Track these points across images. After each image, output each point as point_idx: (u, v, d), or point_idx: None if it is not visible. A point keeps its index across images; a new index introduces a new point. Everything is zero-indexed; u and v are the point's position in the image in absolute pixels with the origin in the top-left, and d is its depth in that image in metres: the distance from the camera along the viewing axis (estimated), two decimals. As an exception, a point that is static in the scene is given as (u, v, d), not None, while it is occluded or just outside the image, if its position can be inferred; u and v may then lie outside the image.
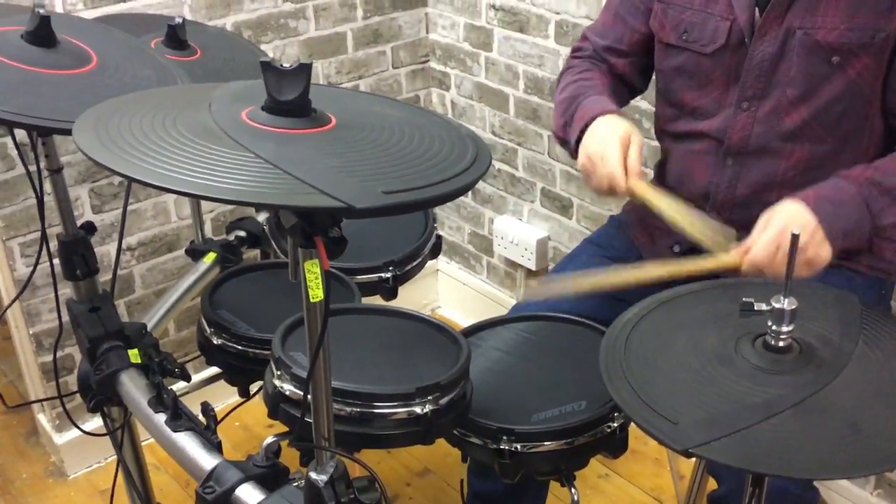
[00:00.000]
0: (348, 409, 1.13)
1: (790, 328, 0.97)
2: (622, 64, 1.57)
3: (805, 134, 1.37)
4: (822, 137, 1.37)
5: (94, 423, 1.81)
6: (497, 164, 2.39)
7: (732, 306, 1.02)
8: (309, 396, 0.97)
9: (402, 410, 1.14)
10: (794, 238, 0.96)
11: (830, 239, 1.25)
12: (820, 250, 1.24)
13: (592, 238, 1.66)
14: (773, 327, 0.97)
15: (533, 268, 2.36)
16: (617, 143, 1.36)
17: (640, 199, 1.37)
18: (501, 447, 1.23)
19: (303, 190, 0.75)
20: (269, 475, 1.09)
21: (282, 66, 0.84)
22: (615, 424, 1.27)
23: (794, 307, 0.96)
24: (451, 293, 2.70)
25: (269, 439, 1.13)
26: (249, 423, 2.29)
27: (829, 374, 0.95)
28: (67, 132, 1.04)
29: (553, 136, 1.58)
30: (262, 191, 0.75)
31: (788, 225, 1.24)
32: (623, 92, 1.61)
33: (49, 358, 2.03)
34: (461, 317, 2.64)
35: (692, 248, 1.53)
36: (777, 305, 0.96)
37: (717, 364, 0.98)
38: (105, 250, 2.02)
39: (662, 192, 1.37)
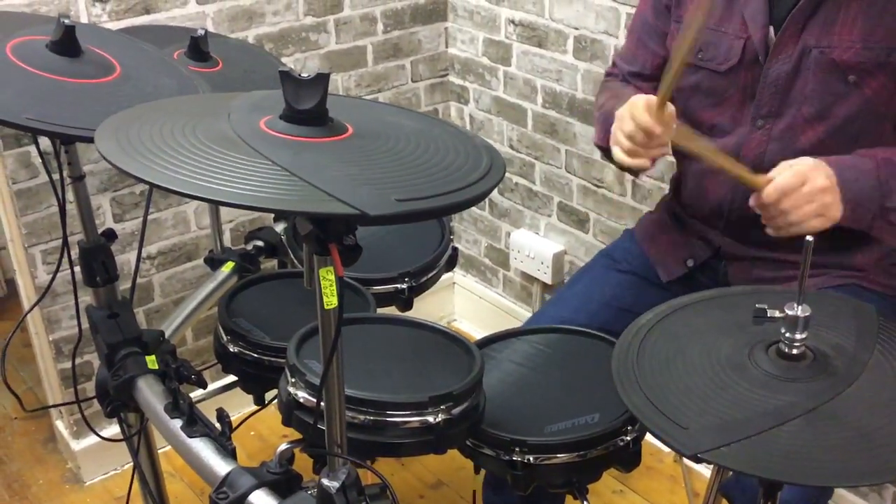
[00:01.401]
0: (361, 417, 1.13)
1: (803, 336, 0.97)
2: (646, 88, 1.57)
3: (820, 152, 1.37)
4: (837, 155, 1.37)
5: (111, 430, 1.83)
6: (514, 179, 2.40)
7: (746, 315, 1.02)
8: (322, 403, 0.98)
9: (414, 419, 1.14)
10: (808, 245, 0.96)
11: (843, 201, 1.28)
12: (832, 207, 1.27)
13: (607, 251, 1.66)
14: (787, 335, 0.97)
15: (549, 282, 2.36)
16: (641, 99, 1.34)
17: (676, 142, 1.36)
18: (514, 459, 1.23)
19: (318, 197, 0.76)
20: (283, 482, 1.10)
21: (300, 75, 0.86)
22: (628, 438, 1.26)
23: (807, 314, 0.96)
24: (467, 306, 2.71)
25: (283, 446, 1.13)
26: (265, 432, 2.30)
27: (843, 382, 0.95)
28: (90, 140, 1.06)
29: (597, 148, 1.60)
30: (278, 197, 0.76)
31: (813, 170, 1.27)
32: None
33: (68, 365, 2.05)
34: (477, 330, 2.64)
35: (705, 263, 1.54)
36: (790, 313, 0.96)
37: (729, 371, 0.98)
38: (125, 259, 2.04)
39: (695, 136, 1.36)
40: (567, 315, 1.53)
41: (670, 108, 1.33)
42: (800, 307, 0.97)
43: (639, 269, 1.59)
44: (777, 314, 0.98)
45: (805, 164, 1.29)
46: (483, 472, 1.36)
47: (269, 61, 1.73)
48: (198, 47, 1.55)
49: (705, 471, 2.13)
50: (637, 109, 1.33)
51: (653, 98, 1.32)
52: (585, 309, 1.54)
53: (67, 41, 1.23)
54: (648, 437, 1.32)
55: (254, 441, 2.27)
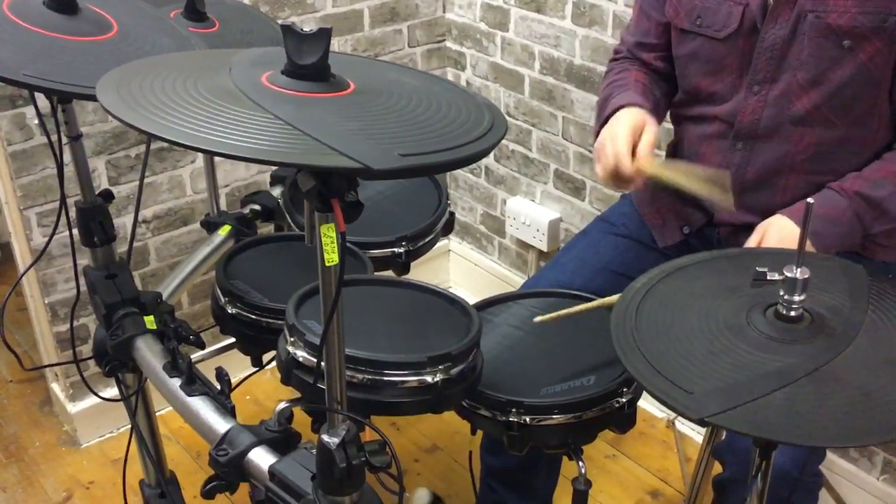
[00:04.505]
0: (360, 376, 1.14)
1: (802, 297, 0.97)
2: (653, 57, 1.58)
3: (815, 118, 1.38)
4: (832, 122, 1.37)
5: (107, 394, 1.83)
6: (511, 145, 2.40)
7: (740, 277, 1.02)
8: (322, 362, 0.98)
9: (412, 379, 1.15)
10: (809, 206, 0.96)
11: (816, 247, 1.32)
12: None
13: (604, 215, 1.67)
14: (786, 297, 0.98)
15: (545, 249, 2.37)
16: (628, 127, 1.38)
17: (647, 176, 1.39)
18: (510, 419, 1.24)
19: (321, 150, 0.76)
20: (282, 439, 1.11)
21: (302, 30, 0.85)
22: (623, 400, 1.27)
23: (806, 276, 0.96)
24: (462, 273, 2.72)
25: (282, 404, 1.14)
26: (260, 396, 2.31)
27: (841, 342, 0.95)
28: (88, 97, 1.05)
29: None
30: (282, 150, 0.76)
31: (782, 243, 1.31)
32: (665, 87, 1.60)
33: (63, 328, 2.06)
34: (472, 297, 2.64)
35: (700, 230, 1.54)
36: (789, 275, 0.97)
37: (729, 334, 0.98)
38: (121, 222, 2.03)
39: (666, 163, 1.40)
40: (564, 279, 1.54)
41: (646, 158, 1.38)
42: (798, 269, 0.97)
43: (636, 233, 1.59)
44: (776, 276, 0.99)
45: (773, 239, 1.33)
46: (480, 434, 1.37)
47: (266, 23, 1.72)
48: (194, 7, 1.53)
49: (697, 436, 2.15)
50: (618, 144, 1.37)
51: (627, 149, 1.37)
52: (582, 273, 1.55)
53: (65, -1, 1.22)
54: (641, 401, 1.34)
55: (249, 405, 2.29)
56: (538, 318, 1.36)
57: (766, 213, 1.43)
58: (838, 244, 1.36)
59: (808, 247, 1.31)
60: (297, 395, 1.22)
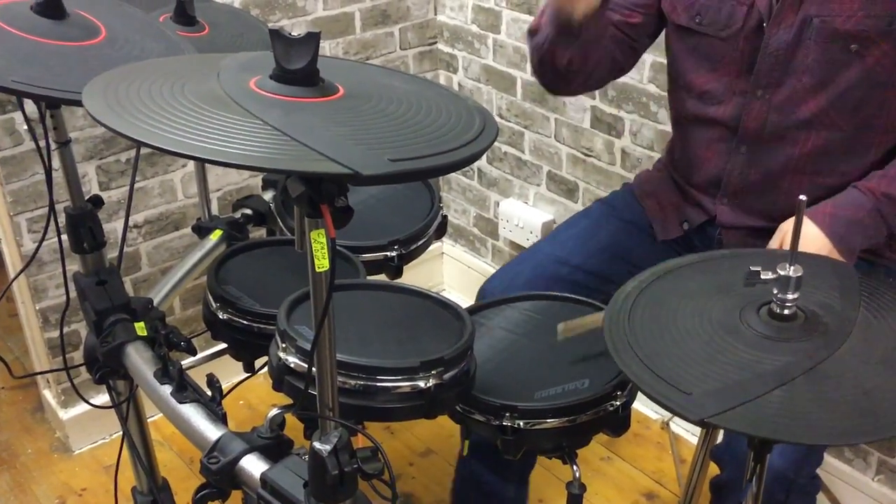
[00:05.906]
0: (352, 381, 1.13)
1: (795, 296, 0.97)
2: (636, 17, 1.49)
3: (821, 121, 1.37)
4: (838, 125, 1.36)
5: (99, 399, 1.82)
6: (503, 148, 2.39)
7: (731, 276, 1.01)
8: (314, 368, 0.98)
9: (405, 384, 1.14)
10: (801, 203, 0.96)
11: (845, 255, 1.31)
12: (829, 252, 1.31)
13: (606, 199, 1.65)
14: (779, 295, 0.97)
15: (538, 251, 2.36)
16: None
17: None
18: (504, 424, 1.23)
19: (310, 156, 0.76)
20: (274, 446, 1.10)
21: (290, 34, 0.85)
22: (618, 403, 1.27)
23: (799, 274, 0.96)
24: (455, 276, 2.71)
25: (274, 411, 1.13)
26: (253, 401, 2.30)
27: (836, 340, 0.95)
28: (76, 103, 1.04)
29: (527, 38, 1.49)
30: (270, 156, 0.75)
31: (804, 245, 1.28)
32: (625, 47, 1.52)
33: (54, 334, 2.04)
34: (465, 299, 2.64)
35: (700, 227, 1.53)
36: (783, 273, 0.96)
37: (723, 334, 0.98)
38: (111, 227, 2.03)
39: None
40: (562, 255, 1.52)
41: None
42: (792, 267, 0.97)
43: (637, 220, 1.58)
44: (769, 275, 0.98)
45: (788, 224, 1.32)
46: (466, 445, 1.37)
47: (256, 27, 1.71)
48: (184, 11, 1.53)
49: (692, 437, 2.15)
50: None
51: None
52: (581, 251, 1.53)
53: (52, 3, 1.21)
54: (636, 403, 1.33)
55: (242, 410, 2.28)
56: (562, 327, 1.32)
57: (770, 216, 1.42)
58: (863, 244, 1.35)
59: (833, 252, 1.30)
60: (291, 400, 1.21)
